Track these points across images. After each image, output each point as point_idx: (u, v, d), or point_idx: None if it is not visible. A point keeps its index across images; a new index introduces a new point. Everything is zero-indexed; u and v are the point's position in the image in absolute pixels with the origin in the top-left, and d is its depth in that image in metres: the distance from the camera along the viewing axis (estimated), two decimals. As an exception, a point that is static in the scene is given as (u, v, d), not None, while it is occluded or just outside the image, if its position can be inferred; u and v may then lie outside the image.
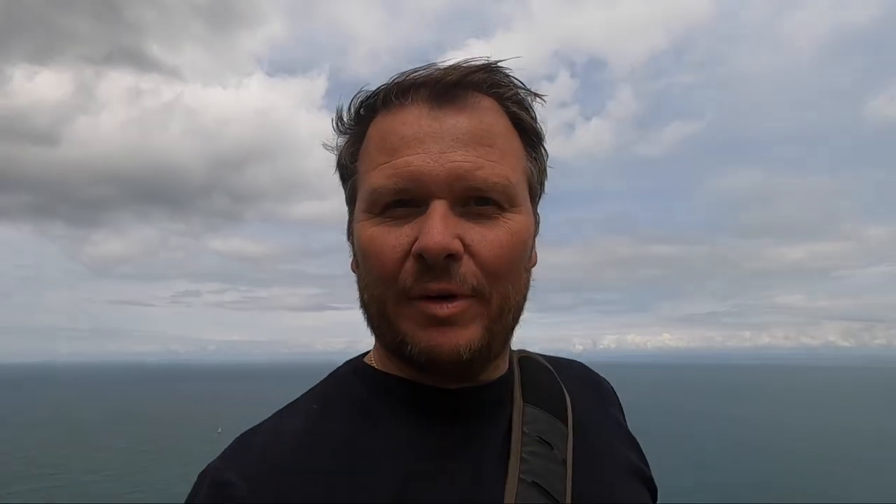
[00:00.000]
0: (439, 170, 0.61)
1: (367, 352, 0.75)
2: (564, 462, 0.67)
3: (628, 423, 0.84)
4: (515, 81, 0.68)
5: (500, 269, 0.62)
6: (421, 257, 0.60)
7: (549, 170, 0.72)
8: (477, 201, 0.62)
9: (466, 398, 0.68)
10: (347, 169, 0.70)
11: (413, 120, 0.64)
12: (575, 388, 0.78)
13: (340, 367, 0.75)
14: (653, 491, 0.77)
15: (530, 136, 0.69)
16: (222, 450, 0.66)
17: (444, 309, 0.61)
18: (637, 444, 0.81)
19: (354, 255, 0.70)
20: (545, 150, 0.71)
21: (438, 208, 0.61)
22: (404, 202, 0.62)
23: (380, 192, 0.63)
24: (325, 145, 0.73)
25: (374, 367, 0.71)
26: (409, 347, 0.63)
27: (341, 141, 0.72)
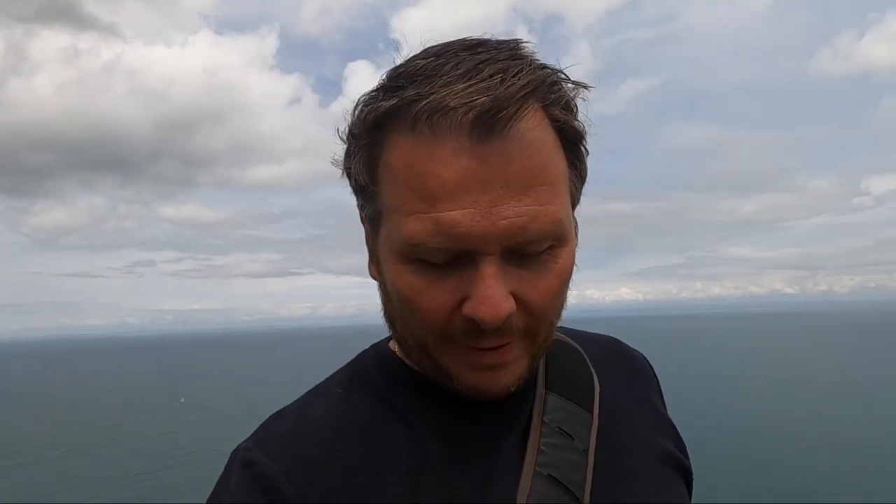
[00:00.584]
0: (491, 229, 0.53)
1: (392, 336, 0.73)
2: (586, 452, 0.65)
3: None
4: (562, 77, 0.57)
5: (549, 312, 0.60)
6: (473, 320, 0.55)
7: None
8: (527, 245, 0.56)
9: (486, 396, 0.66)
10: (366, 190, 0.61)
11: (452, 159, 0.52)
12: (605, 369, 0.75)
13: (366, 350, 0.74)
14: (689, 478, 0.75)
15: (573, 141, 0.59)
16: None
17: (495, 358, 0.59)
18: (674, 428, 0.78)
19: (380, 277, 0.64)
20: (586, 148, 0.61)
21: (490, 270, 0.54)
22: (447, 258, 0.55)
23: (420, 247, 0.55)
24: (333, 162, 0.65)
25: (397, 356, 0.69)
26: (455, 383, 0.61)
27: (349, 148, 0.62)
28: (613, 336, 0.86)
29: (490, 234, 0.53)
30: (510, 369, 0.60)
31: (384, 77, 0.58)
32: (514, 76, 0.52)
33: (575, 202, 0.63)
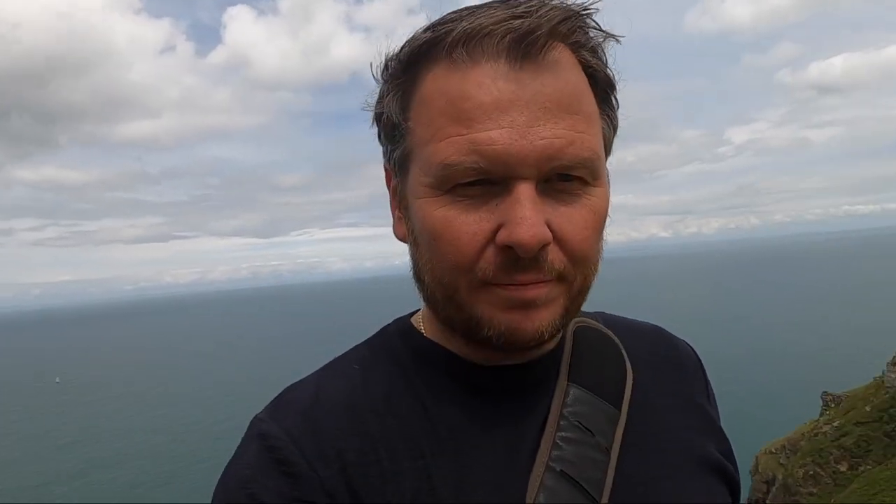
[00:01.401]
0: (529, 149, 0.52)
1: (417, 310, 0.72)
2: (608, 450, 0.62)
3: None
4: (592, 23, 0.58)
5: (586, 253, 0.58)
6: (509, 248, 0.54)
7: None
8: (560, 176, 0.55)
9: (509, 376, 0.65)
10: (398, 127, 0.60)
11: (490, 82, 0.53)
12: (643, 361, 0.72)
13: (389, 325, 0.72)
14: (733, 485, 0.70)
15: (604, 89, 0.60)
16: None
17: (531, 291, 0.56)
18: (718, 428, 0.73)
19: (406, 228, 0.63)
20: (616, 99, 0.62)
21: (527, 193, 0.53)
22: (480, 180, 0.54)
23: (455, 169, 0.54)
24: (366, 106, 0.64)
25: (421, 333, 0.68)
26: (486, 330, 0.58)
27: (384, 90, 0.62)
28: (658, 325, 0.81)
29: (527, 155, 0.52)
30: (544, 310, 0.57)
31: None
32: (549, 9, 0.54)
33: (608, 151, 0.62)
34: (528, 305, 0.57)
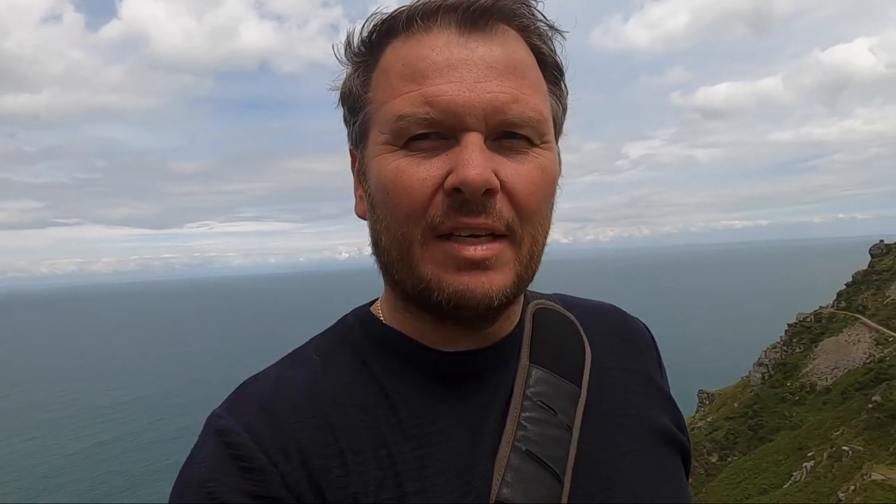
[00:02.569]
0: (476, 100, 0.57)
1: (375, 300, 0.73)
2: (570, 428, 0.64)
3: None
4: (537, 13, 0.64)
5: (533, 208, 0.60)
6: (456, 192, 0.56)
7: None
8: (507, 135, 0.59)
9: (471, 361, 0.65)
10: (359, 99, 0.64)
11: (442, 45, 0.59)
12: (601, 340, 0.74)
13: (347, 315, 0.72)
14: (686, 454, 0.74)
15: (552, 72, 0.65)
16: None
17: (479, 251, 0.58)
18: (673, 402, 0.76)
19: (365, 197, 0.65)
20: (565, 86, 0.68)
21: (474, 140, 0.57)
22: (432, 134, 0.58)
23: (408, 120, 0.58)
24: (332, 87, 0.68)
25: (380, 321, 0.69)
26: (435, 293, 0.59)
27: (349, 70, 0.66)
28: (614, 304, 0.83)
29: (475, 105, 0.57)
30: (495, 274, 0.59)
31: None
32: None
33: (558, 130, 0.67)
34: (477, 266, 0.58)
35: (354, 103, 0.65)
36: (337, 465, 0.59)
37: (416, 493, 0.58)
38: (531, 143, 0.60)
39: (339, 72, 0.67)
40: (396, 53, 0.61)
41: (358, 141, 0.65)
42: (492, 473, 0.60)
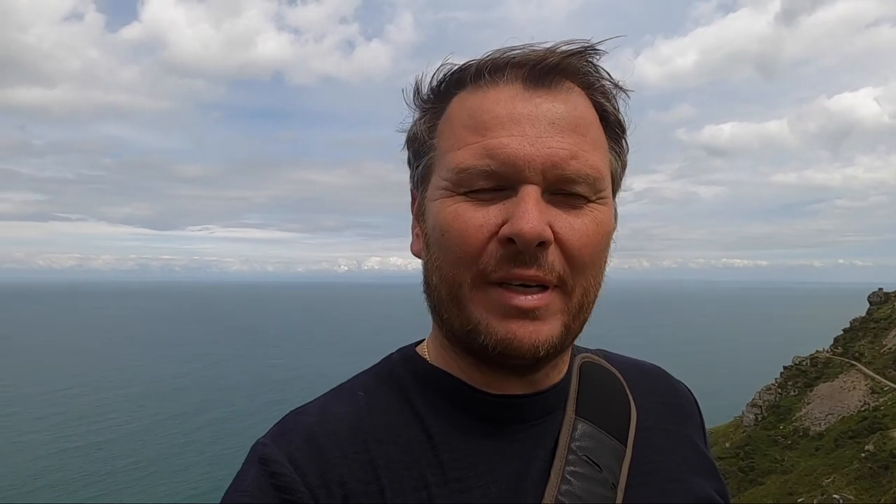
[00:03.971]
0: (536, 155, 0.58)
1: (422, 340, 0.74)
2: (615, 486, 0.63)
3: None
4: (603, 71, 0.66)
5: (585, 260, 0.61)
6: (510, 241, 0.58)
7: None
8: (564, 190, 0.60)
9: (517, 406, 0.65)
10: (424, 144, 0.66)
11: (507, 99, 0.61)
12: (646, 399, 0.74)
13: (393, 353, 0.73)
14: None
15: (614, 129, 0.67)
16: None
17: (528, 300, 0.59)
18: (715, 469, 0.75)
19: (422, 237, 0.67)
20: (627, 143, 0.69)
21: (532, 193, 0.58)
22: (492, 185, 0.60)
23: (469, 172, 0.60)
24: (399, 129, 0.72)
25: (425, 359, 0.69)
26: (482, 337, 0.60)
27: (417, 116, 0.69)
28: (658, 366, 0.84)
29: (534, 160, 0.58)
30: (543, 324, 0.59)
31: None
32: (562, 47, 0.63)
33: (616, 186, 0.68)
34: (525, 315, 0.59)
35: (420, 148, 0.67)
36: (377, 502, 0.59)
37: None
38: (587, 199, 0.61)
39: (406, 116, 0.71)
40: (462, 104, 0.64)
41: (419, 183, 0.68)
42: None
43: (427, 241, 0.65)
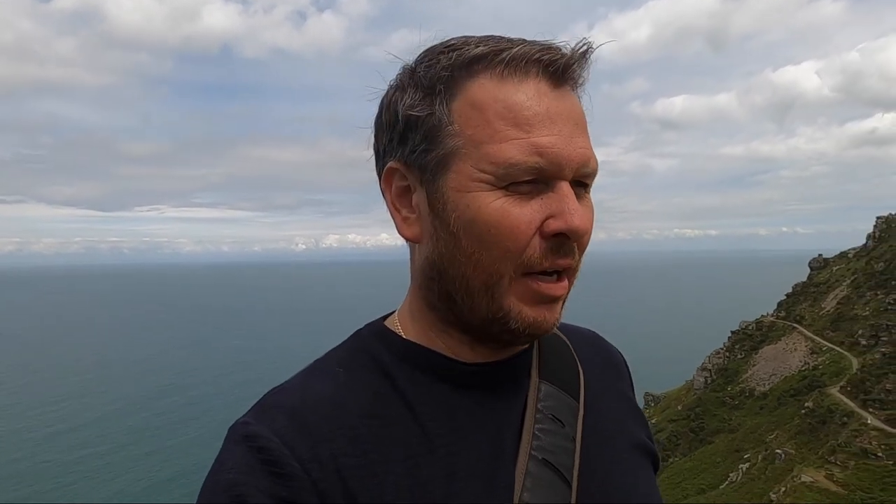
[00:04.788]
0: (572, 154, 0.63)
1: (388, 315, 0.76)
2: (574, 439, 0.70)
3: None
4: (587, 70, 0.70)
5: (586, 245, 0.67)
6: (557, 236, 0.63)
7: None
8: (577, 182, 0.65)
9: (493, 373, 0.70)
10: (442, 128, 0.65)
11: (540, 96, 0.63)
12: (588, 361, 0.81)
13: (362, 329, 0.75)
14: (656, 463, 0.82)
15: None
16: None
17: (560, 288, 0.65)
18: (643, 417, 0.85)
19: (436, 223, 0.66)
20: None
21: (569, 190, 0.63)
22: (532, 179, 0.63)
23: (518, 168, 0.62)
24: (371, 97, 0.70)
25: (398, 334, 0.72)
26: (511, 322, 0.65)
27: (416, 94, 0.66)
28: (592, 330, 0.92)
29: (571, 159, 0.63)
30: (556, 307, 0.66)
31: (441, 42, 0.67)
32: (572, 49, 0.66)
33: None
34: (552, 301, 0.65)
35: (432, 131, 0.65)
36: (368, 476, 0.60)
37: (443, 499, 0.61)
38: (588, 190, 0.68)
39: (365, 90, 0.70)
40: (491, 94, 0.64)
41: (432, 168, 0.66)
42: (513, 480, 0.64)
43: (452, 230, 0.65)
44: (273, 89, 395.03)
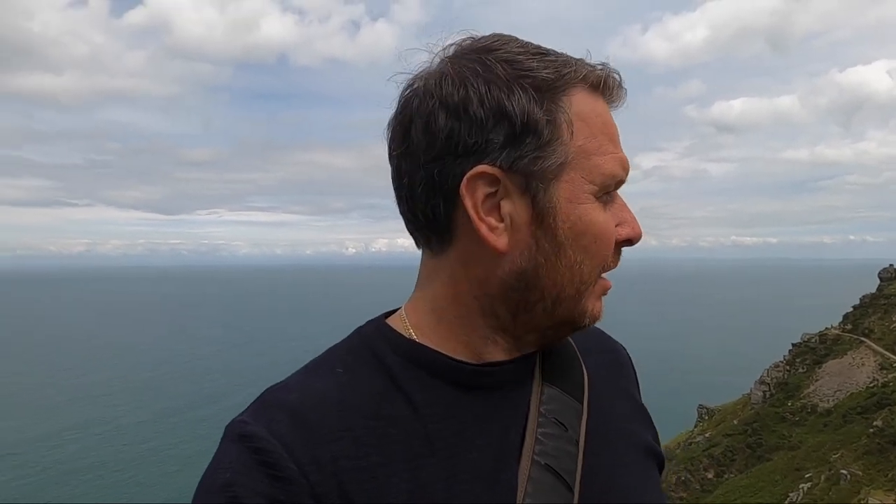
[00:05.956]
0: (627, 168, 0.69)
1: (390, 312, 0.75)
2: (577, 442, 0.69)
3: None
4: None
5: None
6: (627, 242, 0.69)
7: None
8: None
9: (493, 375, 0.68)
10: (554, 137, 0.63)
11: (609, 114, 0.68)
12: (591, 358, 0.79)
13: (363, 327, 0.73)
14: (661, 465, 0.81)
15: None
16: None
17: (609, 284, 0.70)
18: (649, 417, 0.83)
19: (534, 232, 0.64)
20: None
21: (622, 199, 0.69)
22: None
23: (615, 181, 0.66)
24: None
25: (399, 334, 0.69)
26: (586, 319, 0.69)
27: (524, 97, 0.62)
28: (598, 327, 0.89)
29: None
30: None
31: (518, 50, 0.65)
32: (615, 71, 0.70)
33: None
34: (605, 294, 0.71)
35: (549, 138, 0.63)
36: (367, 479, 0.59)
37: (444, 501, 0.60)
38: None
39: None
40: (590, 106, 0.65)
41: (540, 176, 0.63)
42: (515, 484, 0.63)
43: (556, 241, 0.64)
44: (326, 96, 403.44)
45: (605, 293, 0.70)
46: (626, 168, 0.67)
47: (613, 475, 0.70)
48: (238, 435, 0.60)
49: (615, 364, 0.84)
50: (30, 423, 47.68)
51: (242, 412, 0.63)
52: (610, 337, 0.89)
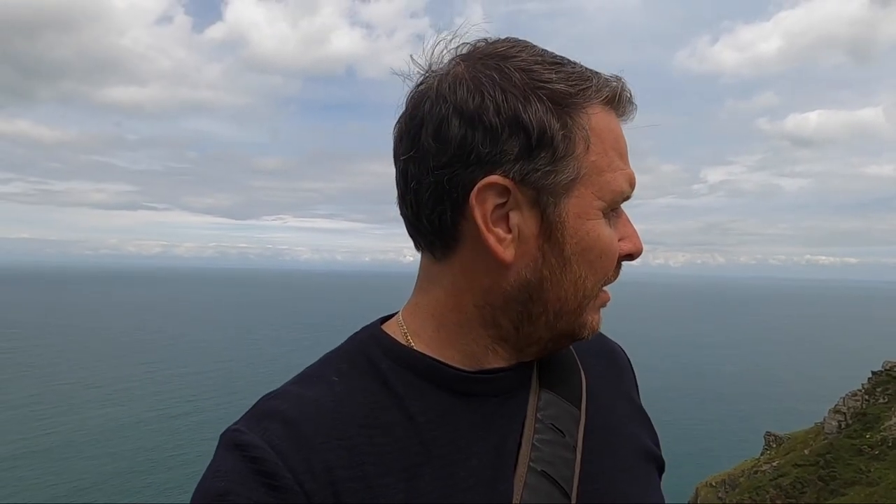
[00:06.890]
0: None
1: (386, 318, 0.74)
2: (575, 448, 0.68)
3: None
4: None
5: None
6: (626, 256, 0.68)
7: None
8: None
9: (490, 382, 0.67)
10: (569, 153, 0.62)
11: (620, 128, 0.67)
12: (590, 363, 0.79)
13: (358, 333, 0.72)
14: (662, 468, 0.80)
15: None
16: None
17: (608, 296, 0.70)
18: (648, 420, 0.82)
19: (542, 246, 0.64)
20: None
21: (626, 215, 0.69)
22: None
23: (622, 197, 0.66)
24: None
25: (396, 340, 0.68)
26: (586, 331, 0.68)
27: (539, 108, 0.61)
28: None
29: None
30: None
31: (539, 59, 0.63)
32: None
33: None
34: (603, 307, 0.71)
35: (564, 152, 0.62)
36: (363, 487, 0.58)
37: None
38: None
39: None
40: (604, 122, 0.64)
41: (551, 190, 0.62)
42: (511, 491, 0.62)
43: (563, 255, 0.63)
44: (390, 107, 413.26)
45: (604, 305, 0.69)
46: (633, 184, 0.66)
47: (612, 481, 0.69)
48: (233, 444, 0.59)
49: (614, 366, 0.83)
50: (121, 412, 49.87)
51: (237, 421, 0.62)
52: (608, 338, 0.87)
